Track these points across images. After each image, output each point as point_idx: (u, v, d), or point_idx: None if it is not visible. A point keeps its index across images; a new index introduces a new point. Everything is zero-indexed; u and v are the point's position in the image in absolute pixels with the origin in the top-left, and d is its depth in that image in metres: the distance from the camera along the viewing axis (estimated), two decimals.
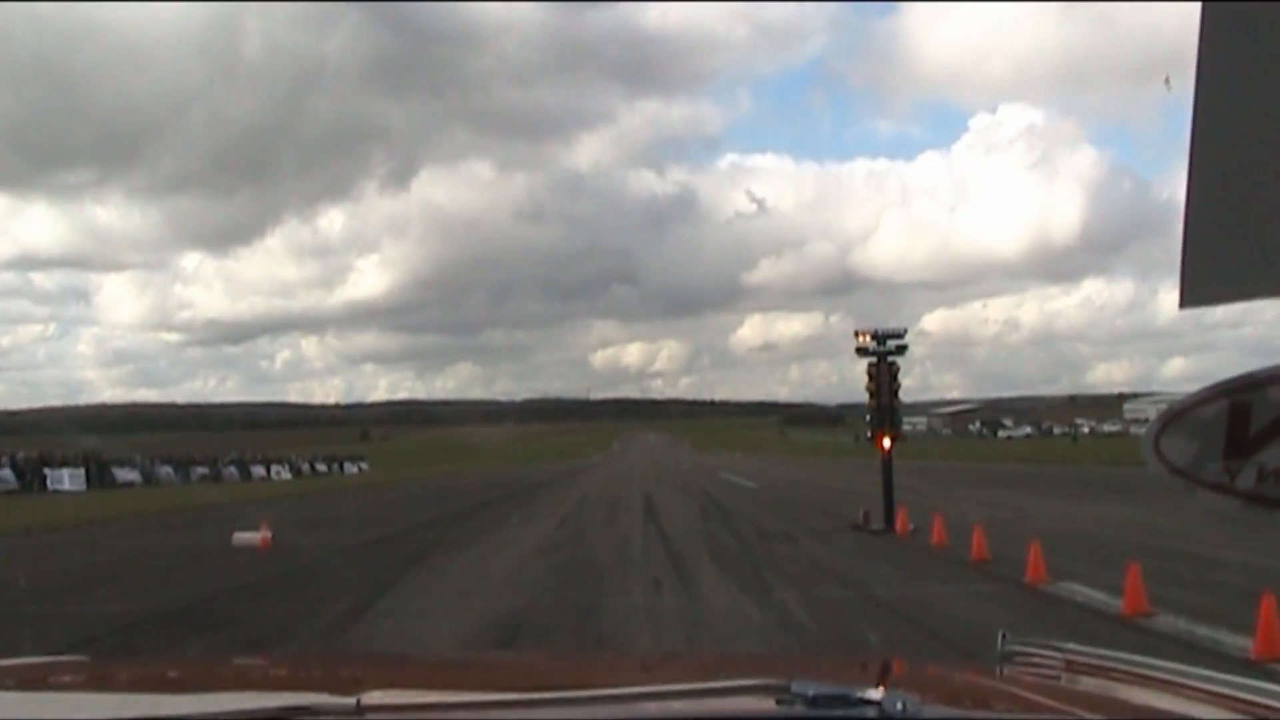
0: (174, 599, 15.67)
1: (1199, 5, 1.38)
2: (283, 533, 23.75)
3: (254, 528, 23.06)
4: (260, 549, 22.09)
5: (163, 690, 2.60)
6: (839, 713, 1.53)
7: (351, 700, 1.68)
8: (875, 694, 1.53)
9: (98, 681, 2.81)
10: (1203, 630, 10.99)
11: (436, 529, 28.28)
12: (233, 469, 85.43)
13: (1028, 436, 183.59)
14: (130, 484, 67.99)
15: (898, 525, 22.33)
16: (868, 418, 23.82)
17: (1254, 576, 13.51)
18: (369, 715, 1.64)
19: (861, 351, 23.29)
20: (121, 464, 72.61)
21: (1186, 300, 1.42)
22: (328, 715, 1.69)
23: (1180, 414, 1.41)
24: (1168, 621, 11.53)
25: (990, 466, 61.96)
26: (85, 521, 33.24)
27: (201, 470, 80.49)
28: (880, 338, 23.34)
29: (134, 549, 24.80)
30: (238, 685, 2.77)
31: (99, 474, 66.66)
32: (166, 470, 76.48)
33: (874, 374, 23.20)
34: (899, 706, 1.50)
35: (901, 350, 23.40)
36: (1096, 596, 13.34)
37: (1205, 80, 1.40)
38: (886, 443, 23.29)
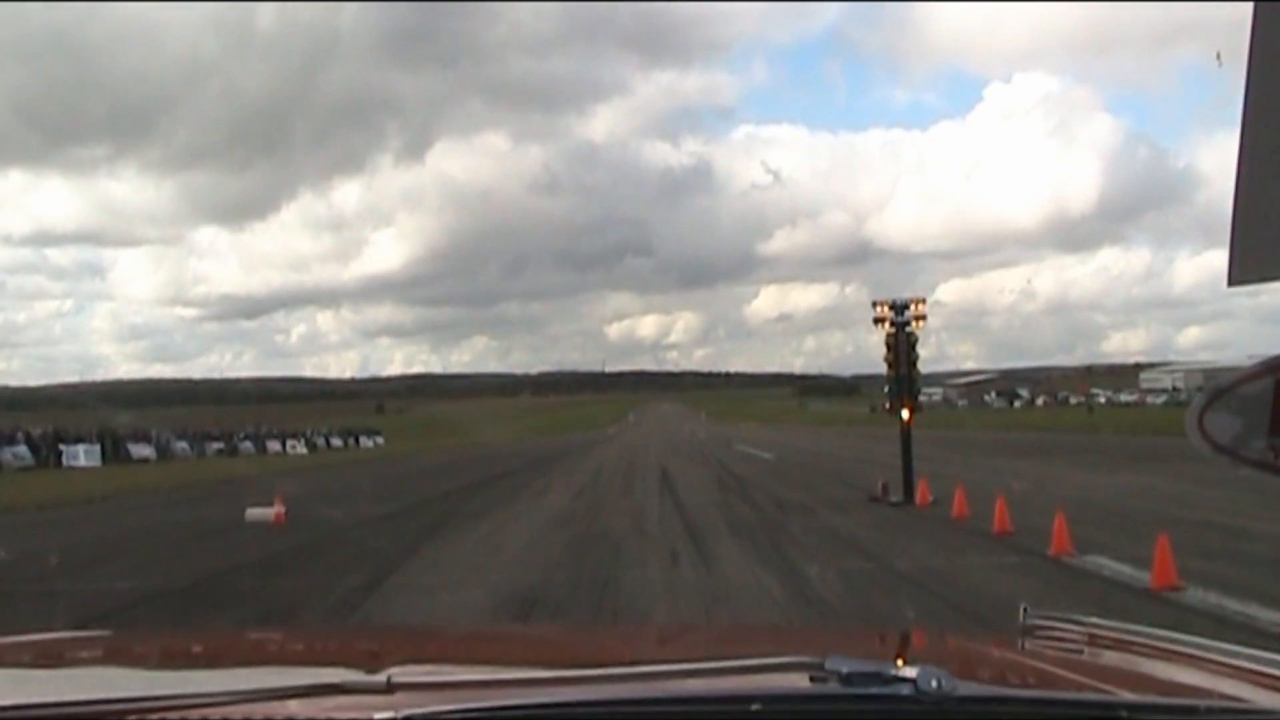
0: (183, 575, 15.51)
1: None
2: (296, 507, 23.58)
3: (267, 502, 22.90)
4: (274, 524, 21.95)
5: (186, 666, 2.62)
6: (874, 690, 1.51)
7: (382, 677, 1.67)
8: (910, 671, 1.51)
9: (117, 656, 2.84)
10: (1234, 604, 10.69)
11: (451, 502, 28.11)
12: (248, 443, 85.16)
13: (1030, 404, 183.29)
14: (145, 459, 67.63)
15: (918, 497, 22.03)
16: (885, 388, 23.48)
17: None
18: (399, 692, 1.61)
19: (879, 321, 22.94)
20: (136, 439, 72.34)
21: (1236, 276, 1.39)
22: (358, 692, 1.66)
23: (1225, 390, 1.36)
24: (1198, 595, 11.22)
25: (1007, 436, 61.57)
26: (98, 497, 33.10)
27: (217, 445, 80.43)
28: (898, 307, 22.98)
29: (145, 524, 24.65)
30: (262, 660, 2.78)
31: (114, 449, 66.42)
32: (182, 445, 76.26)
33: (892, 344, 22.85)
34: (934, 684, 1.48)
35: (920, 320, 23.05)
36: (1123, 570, 13.05)
37: (1259, 54, 1.36)
38: (905, 413, 22.99)
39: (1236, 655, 1.96)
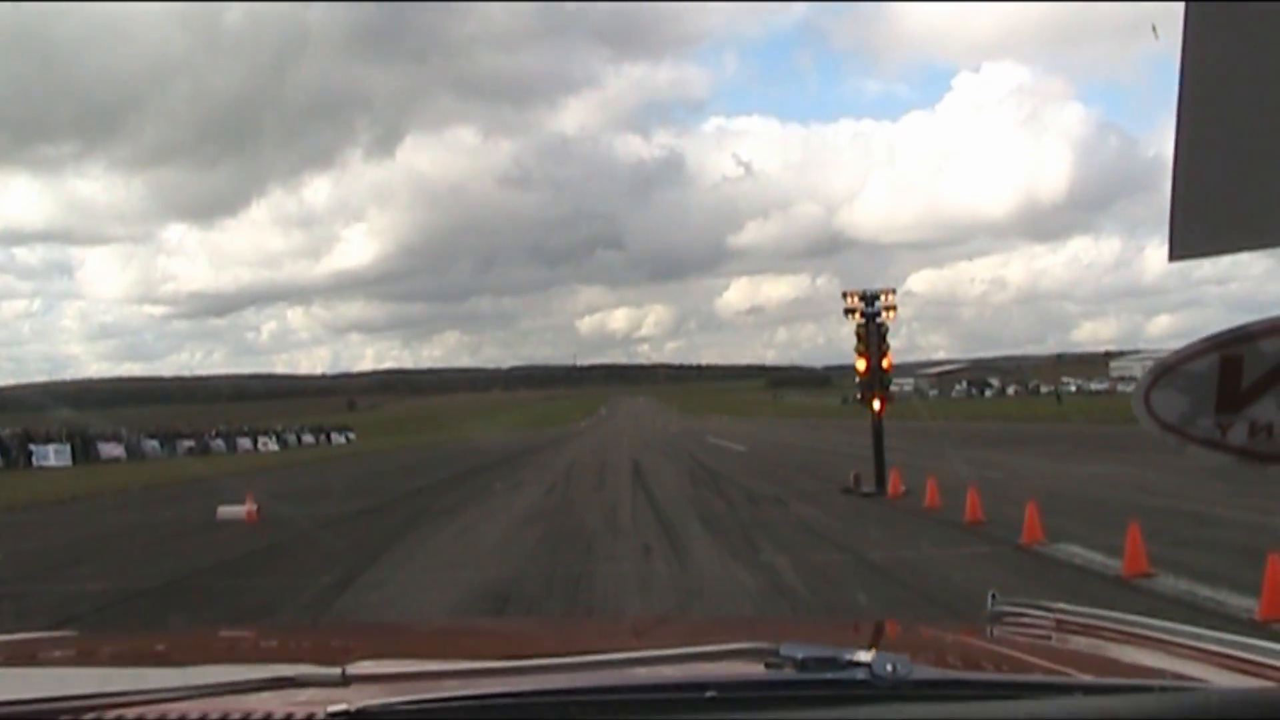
0: (155, 576, 15.39)
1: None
2: (269, 505, 23.45)
3: (239, 501, 22.77)
4: (246, 522, 21.85)
5: (149, 663, 2.62)
6: (828, 675, 1.52)
7: (337, 670, 1.67)
8: (865, 656, 1.52)
9: (84, 656, 2.86)
10: (1205, 591, 10.79)
11: (424, 498, 28.04)
12: (219, 442, 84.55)
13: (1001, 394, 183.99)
14: (116, 459, 67.29)
15: (890, 488, 22.10)
16: (857, 380, 23.52)
17: (1253, 534, 13.36)
18: (355, 684, 1.63)
19: (850, 313, 22.97)
20: (106, 439, 71.91)
21: (1176, 252, 1.40)
22: (313, 685, 1.68)
23: (1171, 368, 1.38)
24: (1169, 583, 11.32)
25: (978, 426, 61.83)
26: (68, 498, 32.89)
27: (188, 444, 79.60)
28: (869, 298, 23.01)
29: (117, 525, 24.46)
30: (224, 657, 2.79)
31: (84, 449, 65.95)
32: (152, 444, 75.77)
33: (863, 335, 22.90)
34: (888, 668, 1.49)
35: (890, 311, 23.08)
36: (1094, 558, 13.14)
37: (1194, 27, 1.37)
38: (876, 405, 23.04)
39: (1202, 639, 1.98)
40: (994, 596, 2.51)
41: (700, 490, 27.25)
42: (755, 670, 1.59)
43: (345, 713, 1.47)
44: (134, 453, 71.55)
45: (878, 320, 22.98)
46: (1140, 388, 1.42)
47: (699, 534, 17.75)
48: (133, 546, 19.93)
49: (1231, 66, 1.38)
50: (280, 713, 1.56)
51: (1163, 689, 1.54)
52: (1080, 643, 2.20)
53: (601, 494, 27.18)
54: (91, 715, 1.60)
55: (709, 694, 1.49)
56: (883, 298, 22.99)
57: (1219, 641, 1.95)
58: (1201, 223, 1.40)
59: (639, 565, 14.65)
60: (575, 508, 23.69)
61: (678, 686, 1.59)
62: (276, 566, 16.20)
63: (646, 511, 22.03)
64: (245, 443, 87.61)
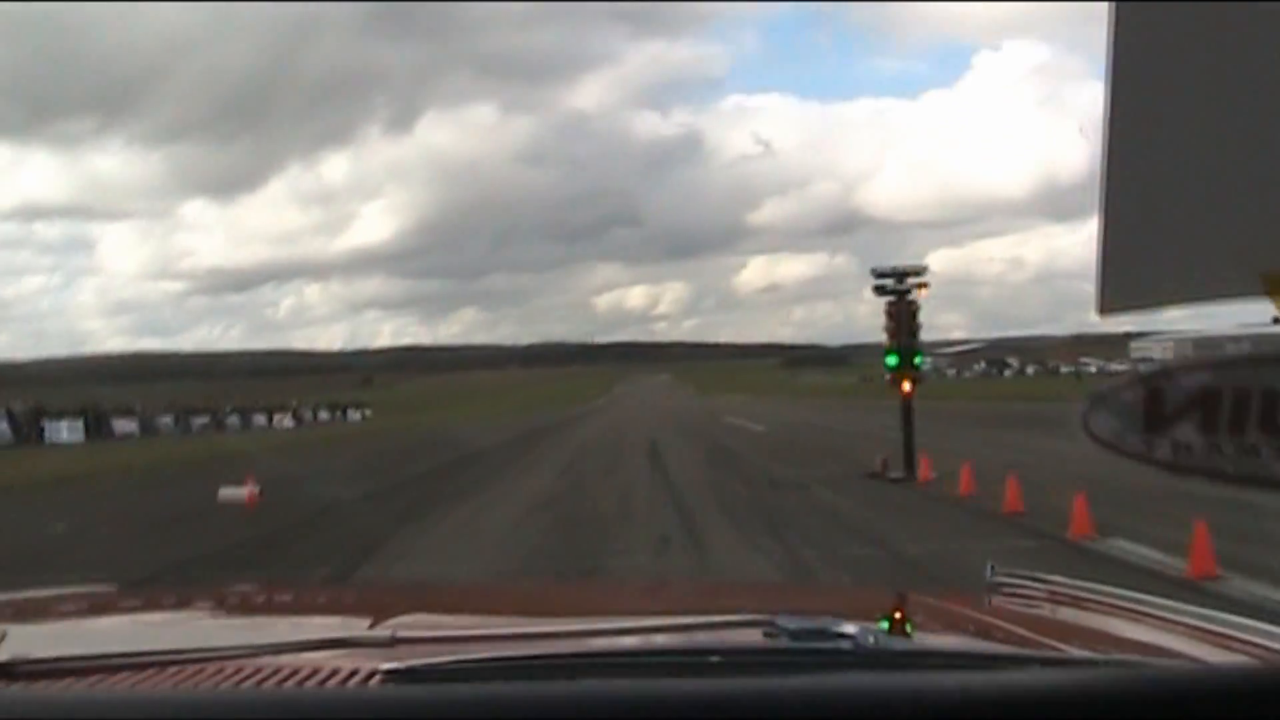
0: (141, 567, 14.39)
1: (1109, 6, 1.34)
2: (273, 487, 22.61)
3: (242, 482, 21.86)
4: (247, 506, 20.96)
5: (199, 619, 2.72)
6: (818, 645, 1.62)
7: (387, 631, 1.79)
8: (852, 627, 1.62)
9: (130, 609, 2.97)
10: None
11: (433, 480, 27.11)
12: (234, 418, 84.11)
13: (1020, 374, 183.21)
14: (129, 435, 66.80)
15: (919, 473, 21.06)
16: (886, 359, 22.38)
17: None
18: (402, 645, 1.71)
19: (879, 290, 21.87)
20: (120, 415, 71.45)
21: (1104, 307, 1.50)
22: (365, 645, 1.77)
23: (1104, 396, 1.49)
24: (1242, 586, 10.27)
25: (1001, 407, 60.75)
26: (71, 477, 32.05)
27: (202, 420, 79.15)
28: (899, 275, 21.93)
29: (112, 508, 23.57)
30: (270, 614, 2.88)
31: (97, 425, 65.44)
32: (166, 421, 75.29)
33: (893, 313, 21.81)
34: (870, 640, 1.59)
35: (922, 288, 22.00)
36: (1152, 556, 12.11)
37: (1118, 90, 1.41)
38: (906, 386, 21.99)
39: (1199, 617, 2.03)
40: (993, 567, 2.57)
41: (719, 473, 26.13)
42: (754, 639, 1.70)
43: (396, 670, 1.53)
44: (148, 429, 70.85)
45: (908, 298, 21.89)
46: (1080, 412, 1.49)
47: (719, 522, 16.76)
48: (124, 532, 18.98)
49: (1153, 122, 1.41)
50: (338, 670, 1.63)
51: (1124, 662, 1.64)
52: (1070, 614, 2.26)
53: (616, 476, 26.13)
54: (150, 670, 1.65)
55: (713, 659, 1.58)
56: (914, 275, 21.93)
57: (1216, 620, 1.98)
58: (1128, 279, 1.47)
59: (656, 559, 13.70)
60: (588, 491, 22.71)
61: (685, 652, 1.71)
62: (266, 559, 15.26)
63: (663, 495, 21.03)
64: (260, 419, 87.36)
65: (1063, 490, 14.54)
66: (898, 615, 2.39)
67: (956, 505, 17.56)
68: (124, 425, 69.09)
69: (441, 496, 22.62)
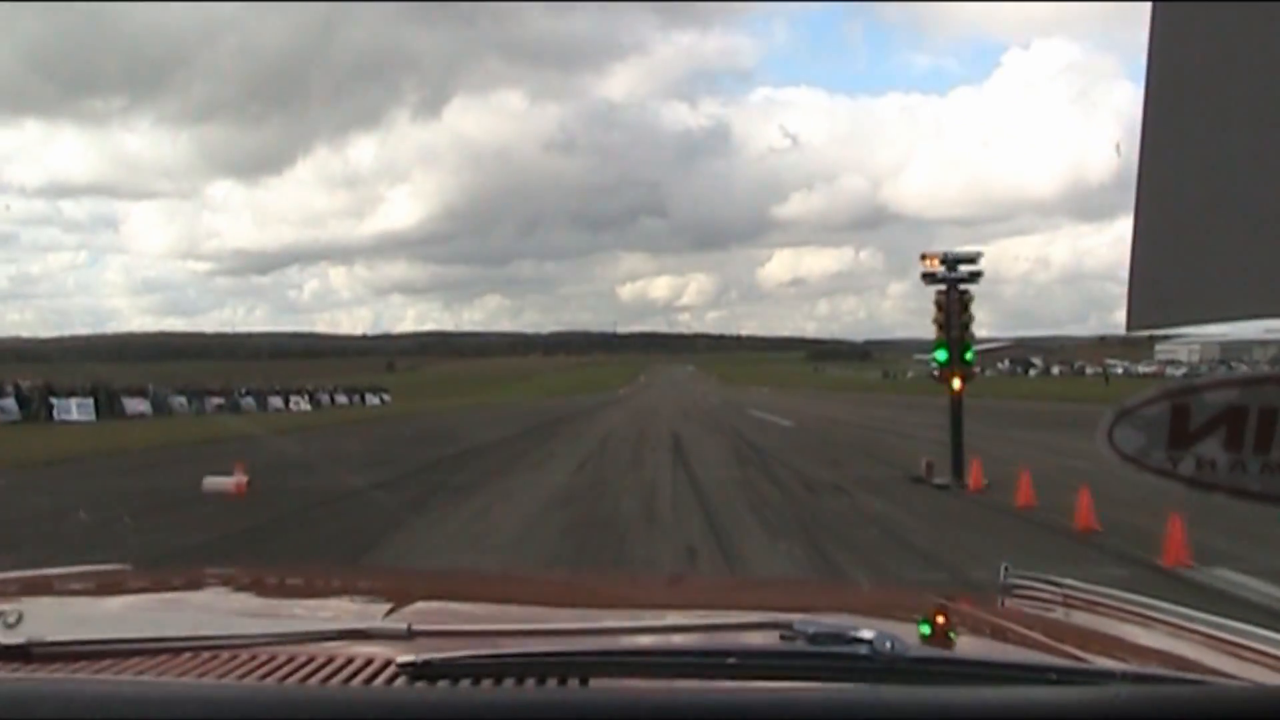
0: (104, 563, 12.74)
1: (1150, 6, 1.37)
2: (270, 475, 21.18)
3: (230, 470, 20.22)
4: (234, 495, 19.33)
5: (215, 604, 2.66)
6: (835, 649, 1.59)
7: (403, 623, 1.81)
8: (868, 633, 1.59)
9: (141, 591, 2.95)
10: None
11: (442, 470, 25.33)
12: (249, 400, 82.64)
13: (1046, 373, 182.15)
14: (141, 415, 65.47)
15: (971, 479, 19.21)
16: (934, 353, 20.45)
17: None
18: (419, 639, 1.73)
19: (929, 278, 19.96)
20: (132, 393, 70.20)
21: (1134, 323, 1.50)
22: (382, 637, 1.77)
23: (1130, 411, 1.48)
24: None
25: (1036, 407, 58.78)
26: (66, 457, 30.36)
27: (217, 401, 77.67)
28: (950, 261, 20.02)
29: (93, 493, 21.78)
30: (287, 600, 2.90)
31: (109, 404, 64.16)
32: (180, 400, 73.89)
33: (943, 303, 19.88)
34: (887, 645, 1.57)
35: (975, 277, 20.09)
36: (1265, 590, 10.26)
37: (1156, 95, 1.41)
38: (956, 383, 20.10)
39: (1211, 625, 2.02)
40: (1007, 568, 2.59)
41: (748, 472, 24.24)
42: (771, 641, 1.69)
43: (412, 664, 1.53)
44: (160, 409, 69.29)
45: (960, 287, 19.98)
46: (1103, 425, 1.48)
47: (753, 532, 14.93)
48: (93, 523, 17.21)
49: (1187, 151, 1.39)
50: (354, 661, 1.64)
51: (1124, 675, 1.57)
52: (1084, 619, 2.26)
53: (638, 474, 24.27)
54: (164, 656, 1.65)
55: (730, 661, 1.56)
56: (968, 263, 20.04)
57: (1229, 629, 1.98)
58: (1159, 293, 1.46)
59: (683, 574, 11.90)
60: (608, 491, 20.93)
61: (704, 653, 1.67)
62: (243, 558, 13.56)
63: (689, 497, 19.22)
64: (276, 401, 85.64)
65: (1136, 506, 12.82)
66: (915, 619, 2.38)
67: (1019, 519, 15.67)
68: (135, 405, 67.79)
69: (447, 490, 21.01)
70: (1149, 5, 1.35)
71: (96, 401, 62.93)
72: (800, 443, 34.75)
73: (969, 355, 20.04)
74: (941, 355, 19.94)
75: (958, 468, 19.54)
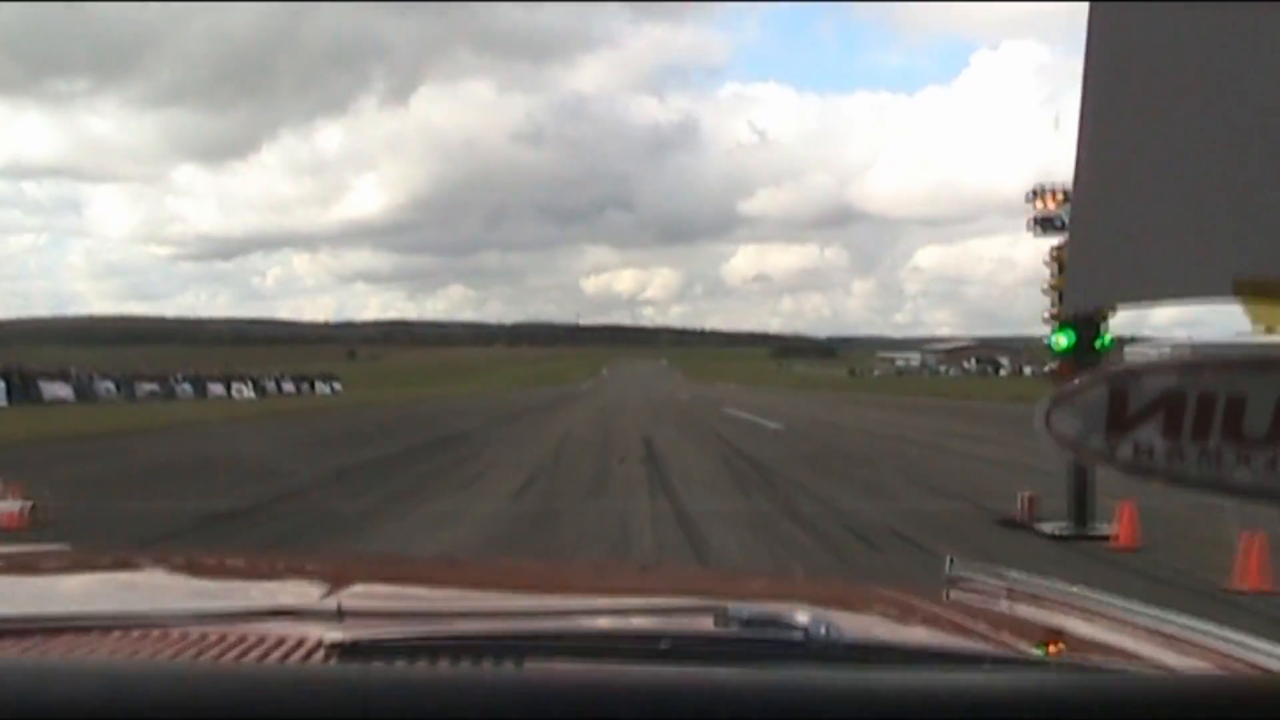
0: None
1: (1088, 6, 1.38)
2: (103, 491, 16.50)
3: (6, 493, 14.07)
4: (8, 528, 13.18)
5: (145, 583, 2.59)
6: (769, 634, 1.58)
7: (333, 603, 1.75)
8: (803, 618, 1.58)
9: (79, 571, 2.83)
10: None
11: (339, 491, 18.54)
12: (187, 386, 77.13)
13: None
14: (60, 401, 60.13)
15: (1120, 531, 12.63)
16: (1053, 337, 13.80)
17: None
18: (349, 619, 1.66)
19: (1044, 224, 13.72)
20: (52, 377, 64.40)
21: (1069, 306, 1.48)
22: (311, 617, 1.72)
23: (1068, 395, 1.46)
24: None
25: (1027, 409, 52.98)
26: None
27: (150, 387, 72.76)
28: None
29: None
30: (219, 581, 2.82)
31: (23, 388, 58.88)
32: (107, 386, 68.96)
33: (1065, 262, 13.69)
34: (822, 631, 1.56)
35: None
36: None
37: (1092, 88, 1.42)
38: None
39: (1156, 618, 2.00)
40: (951, 561, 2.49)
41: (754, 501, 17.73)
42: (704, 626, 1.65)
43: (340, 644, 1.50)
44: (84, 394, 64.42)
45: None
46: (1041, 409, 1.46)
47: None
48: None
49: (1127, 132, 1.39)
50: (283, 641, 1.60)
51: (1077, 665, 1.61)
52: (1026, 611, 2.19)
53: (603, 501, 17.82)
54: (95, 634, 1.61)
55: (663, 645, 1.55)
56: None
57: (1174, 623, 1.96)
58: (1094, 275, 1.46)
59: None
60: (560, 527, 14.71)
61: (637, 637, 1.67)
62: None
63: (678, 548, 13.00)
64: (218, 389, 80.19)
65: None
66: (852, 607, 2.37)
67: (1229, 605, 9.27)
68: (55, 389, 62.32)
69: (336, 522, 14.79)
70: (1087, 5, 1.34)
71: (9, 385, 57.67)
72: (803, 453, 27.91)
73: (1106, 341, 13.55)
74: (1066, 339, 13.52)
75: (1080, 510, 13.16)
